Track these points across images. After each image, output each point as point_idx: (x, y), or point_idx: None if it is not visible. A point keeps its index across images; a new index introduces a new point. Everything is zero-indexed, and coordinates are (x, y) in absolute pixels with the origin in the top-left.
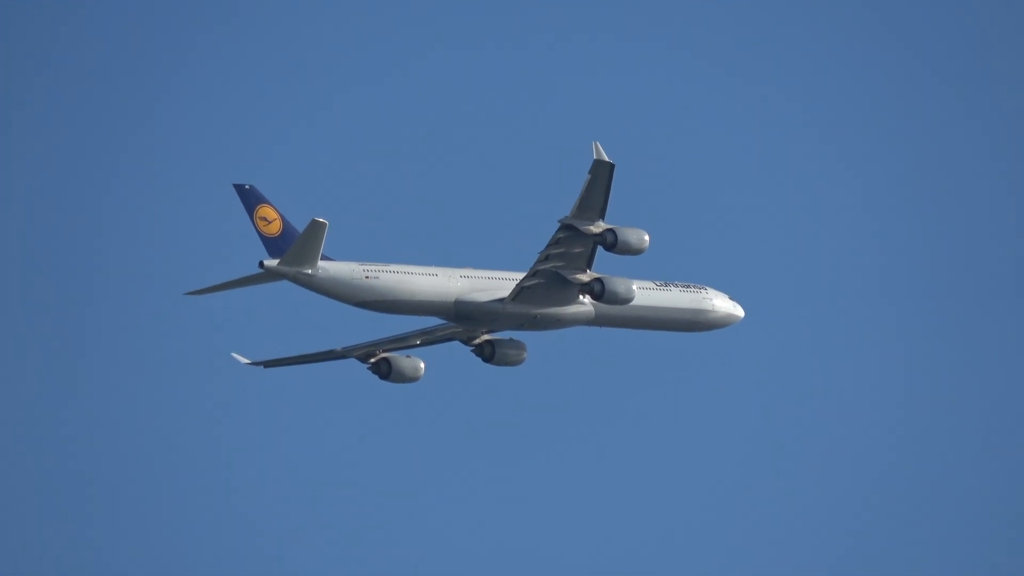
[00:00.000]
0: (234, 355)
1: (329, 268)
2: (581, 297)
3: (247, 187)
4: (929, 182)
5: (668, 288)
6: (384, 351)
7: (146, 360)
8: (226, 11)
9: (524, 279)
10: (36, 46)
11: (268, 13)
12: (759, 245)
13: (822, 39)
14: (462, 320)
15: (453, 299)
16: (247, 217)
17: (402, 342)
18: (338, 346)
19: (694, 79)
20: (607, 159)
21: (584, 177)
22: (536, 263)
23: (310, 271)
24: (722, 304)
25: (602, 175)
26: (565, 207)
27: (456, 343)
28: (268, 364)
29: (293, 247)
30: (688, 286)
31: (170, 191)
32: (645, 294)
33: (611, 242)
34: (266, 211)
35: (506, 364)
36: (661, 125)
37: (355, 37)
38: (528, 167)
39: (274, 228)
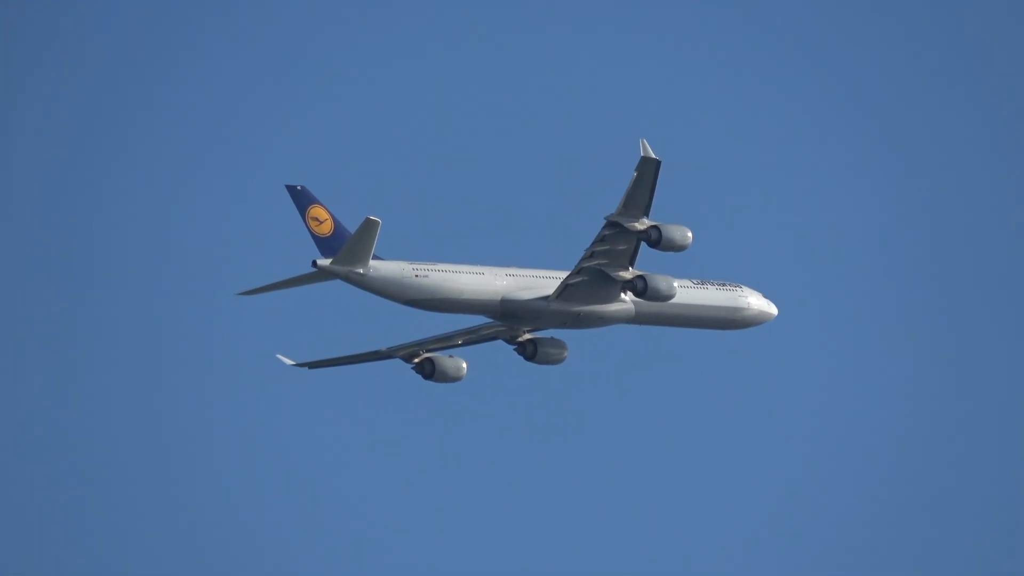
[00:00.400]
0: (279, 356)
1: (380, 267)
2: (622, 295)
3: (299, 188)
4: (943, 177)
5: (705, 286)
6: (428, 351)
7: (195, 361)
8: (242, 10)
9: (569, 276)
10: (68, 44)
11: (285, 9)
12: (766, 241)
13: (826, 34)
14: (507, 318)
15: (499, 297)
16: (298, 217)
17: (446, 341)
18: (383, 346)
19: (706, 74)
20: (654, 156)
21: (629, 173)
22: (581, 260)
23: (362, 270)
24: (757, 302)
25: (648, 172)
26: (598, 202)
27: (499, 343)
28: (312, 365)
29: (346, 246)
30: (724, 284)
31: (215, 191)
32: (683, 292)
33: (655, 239)
34: (317, 211)
35: (548, 363)
36: (671, 119)
37: (371, 30)
38: (557, 163)
39: (326, 228)
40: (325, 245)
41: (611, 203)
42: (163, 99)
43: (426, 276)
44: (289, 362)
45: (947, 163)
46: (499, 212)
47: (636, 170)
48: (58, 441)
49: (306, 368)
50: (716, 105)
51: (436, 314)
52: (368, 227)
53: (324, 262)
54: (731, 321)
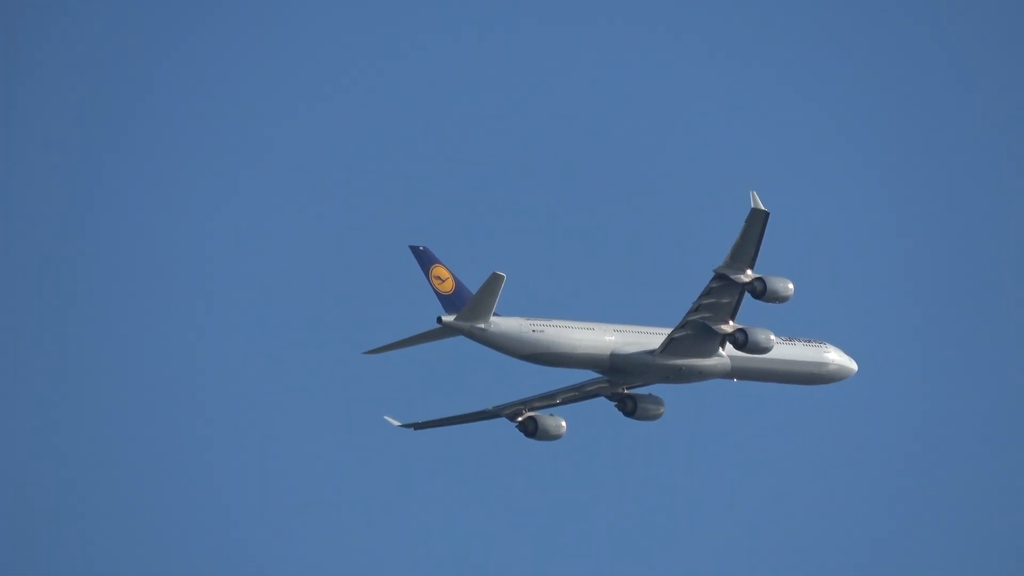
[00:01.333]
0: (386, 417)
1: (500, 323)
2: (720, 349)
3: (422, 248)
4: (953, 178)
5: (792, 342)
6: (531, 409)
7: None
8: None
9: (674, 330)
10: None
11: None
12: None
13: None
14: (615, 372)
15: (608, 352)
16: (423, 276)
17: (549, 400)
18: (490, 405)
19: (712, 71)
20: (763, 208)
21: (739, 225)
22: (687, 314)
23: (484, 325)
24: (838, 358)
25: (757, 224)
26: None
27: (600, 400)
28: (419, 426)
29: (472, 301)
30: (809, 340)
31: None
32: (774, 348)
33: (760, 291)
34: (439, 270)
35: (646, 418)
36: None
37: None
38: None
39: (448, 286)
40: (448, 302)
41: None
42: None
43: (542, 331)
44: (396, 423)
45: (962, 161)
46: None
47: (746, 222)
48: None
49: (411, 429)
50: (719, 100)
51: (544, 370)
52: (494, 282)
53: (449, 318)
54: (817, 376)
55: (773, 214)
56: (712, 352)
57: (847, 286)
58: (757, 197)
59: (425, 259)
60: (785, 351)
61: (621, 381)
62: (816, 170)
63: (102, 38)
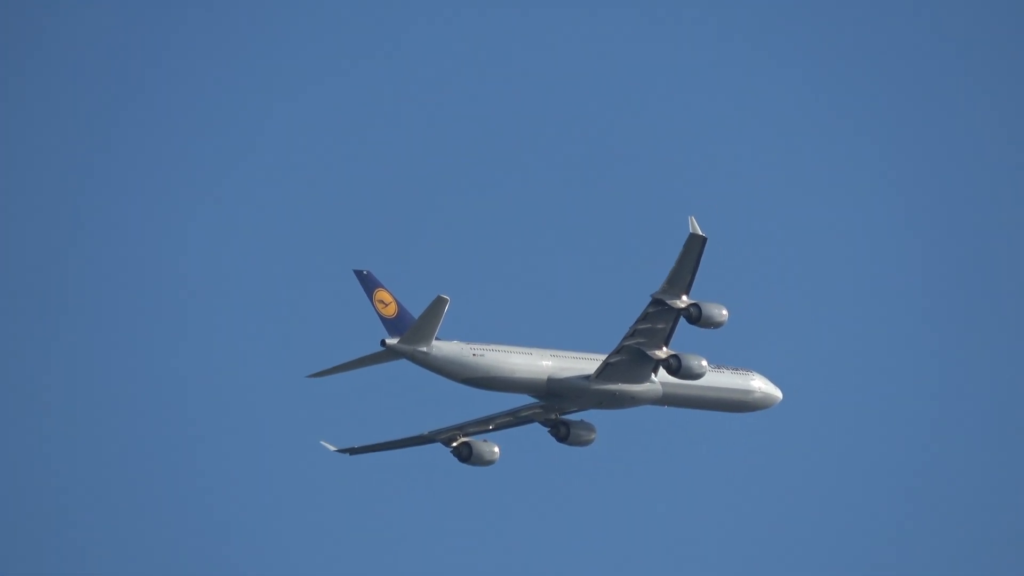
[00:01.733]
0: (322, 442)
1: (441, 347)
2: (652, 375)
3: (365, 272)
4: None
5: (721, 370)
6: (465, 435)
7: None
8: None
9: (610, 356)
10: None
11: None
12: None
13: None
14: (551, 397)
15: (546, 376)
16: (366, 300)
17: (483, 425)
18: (426, 430)
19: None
20: (701, 233)
21: (676, 250)
22: (623, 339)
23: (425, 349)
24: (764, 387)
25: (695, 250)
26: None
27: (534, 426)
28: (354, 451)
29: (415, 325)
30: (736, 369)
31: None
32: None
33: (695, 316)
34: (382, 294)
35: (578, 444)
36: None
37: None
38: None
39: (390, 310)
40: (391, 326)
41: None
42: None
43: (482, 356)
44: (332, 448)
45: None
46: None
47: (683, 247)
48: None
49: (347, 454)
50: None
51: (479, 395)
52: (437, 306)
53: (392, 341)
54: (743, 404)
55: (763, 219)
56: (645, 378)
57: (840, 290)
58: (695, 222)
59: (369, 283)
60: (714, 379)
61: (556, 406)
62: (822, 170)
63: (75, 38)
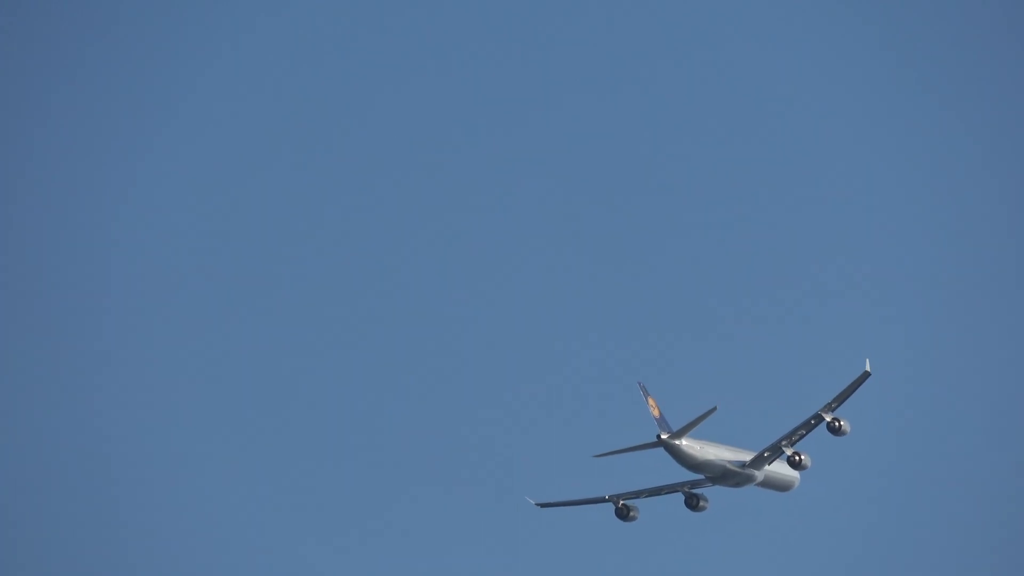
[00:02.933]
0: (527, 498)
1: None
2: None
3: (640, 383)
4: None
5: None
6: (624, 500)
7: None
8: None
9: (765, 450)
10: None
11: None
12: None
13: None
14: (720, 479)
15: (727, 463)
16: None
17: (644, 493)
18: (606, 494)
19: None
20: (869, 371)
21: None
22: (780, 440)
23: (678, 442)
24: (793, 473)
25: (861, 382)
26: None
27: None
28: (544, 505)
29: (685, 426)
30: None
31: None
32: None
33: (836, 428)
34: (652, 401)
35: (697, 511)
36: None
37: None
38: None
39: (656, 412)
40: (660, 425)
41: None
42: None
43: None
44: (533, 502)
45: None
46: None
47: (856, 381)
48: None
49: (539, 507)
50: None
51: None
52: (708, 413)
53: (665, 435)
54: (789, 486)
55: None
56: (761, 467)
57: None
58: (869, 363)
59: (645, 393)
60: (776, 467)
61: (716, 484)
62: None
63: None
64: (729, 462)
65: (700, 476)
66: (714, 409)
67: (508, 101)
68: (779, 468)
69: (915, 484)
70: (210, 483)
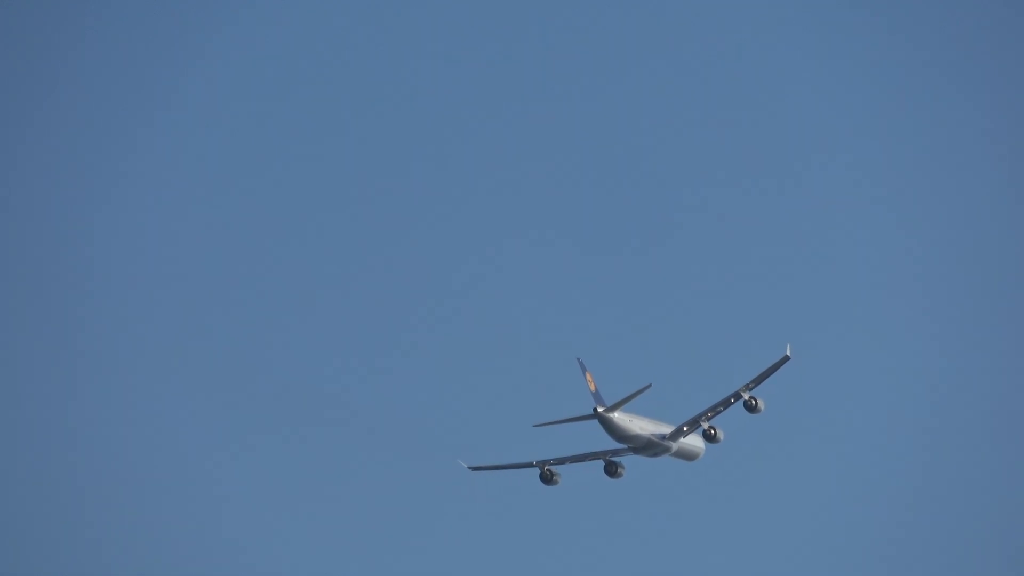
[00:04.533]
0: (459, 461)
1: (623, 416)
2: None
3: (579, 360)
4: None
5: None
6: (550, 465)
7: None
8: None
9: (684, 424)
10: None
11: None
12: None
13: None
14: (644, 449)
15: (648, 434)
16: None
17: (568, 460)
18: (534, 459)
19: None
20: (789, 355)
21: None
22: (700, 415)
23: (611, 416)
24: (701, 444)
25: (779, 366)
26: None
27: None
28: (476, 468)
29: (621, 401)
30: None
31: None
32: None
33: (753, 406)
34: (589, 376)
35: (615, 477)
36: None
37: None
38: None
39: (593, 387)
40: (596, 399)
41: None
42: None
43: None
44: (465, 465)
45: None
46: None
47: (776, 364)
48: None
49: (470, 470)
50: None
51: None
52: (642, 390)
53: (601, 409)
54: (696, 455)
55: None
56: (679, 439)
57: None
58: (790, 348)
59: (583, 367)
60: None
61: (639, 454)
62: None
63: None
64: (653, 434)
65: (624, 446)
66: (648, 386)
67: (508, 101)
68: (689, 440)
69: (915, 483)
70: (209, 482)
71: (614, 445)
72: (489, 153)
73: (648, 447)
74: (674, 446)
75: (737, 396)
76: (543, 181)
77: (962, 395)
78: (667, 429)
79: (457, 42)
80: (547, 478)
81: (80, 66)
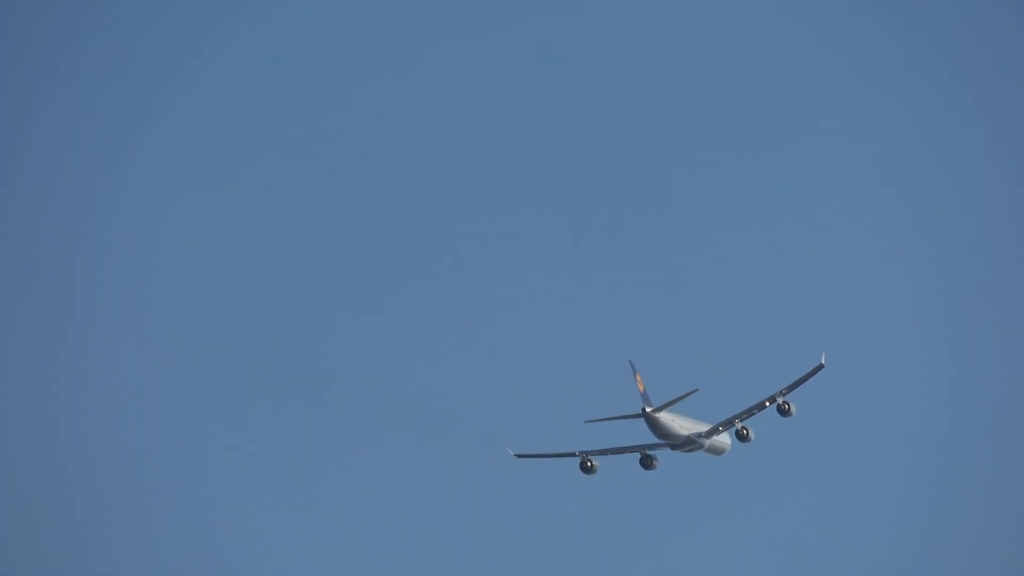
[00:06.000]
0: (507, 448)
1: (665, 416)
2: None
3: (631, 362)
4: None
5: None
6: (592, 456)
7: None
8: None
9: (720, 424)
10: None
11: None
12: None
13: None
14: (682, 445)
15: (686, 433)
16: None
17: (608, 452)
18: (577, 450)
19: None
20: (824, 364)
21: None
22: (734, 416)
23: (658, 415)
24: (728, 441)
25: (814, 373)
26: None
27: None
28: (521, 456)
29: (668, 403)
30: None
31: None
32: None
33: (786, 410)
34: (639, 378)
35: (650, 469)
36: None
37: None
38: None
39: (642, 388)
40: (645, 399)
41: None
42: None
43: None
44: (512, 453)
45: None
46: None
47: (811, 371)
48: None
49: (516, 457)
50: None
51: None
52: (688, 393)
53: (650, 409)
54: (724, 451)
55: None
56: (712, 437)
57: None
58: (824, 357)
59: (633, 369)
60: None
61: (669, 447)
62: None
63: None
64: (691, 433)
65: (662, 442)
66: (695, 391)
67: (509, 101)
68: (719, 438)
69: (914, 483)
70: (208, 480)
71: (652, 440)
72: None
73: (685, 444)
74: (707, 443)
75: (772, 400)
76: (579, 180)
77: (969, 394)
78: (703, 428)
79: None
80: (586, 467)
81: (80, 66)
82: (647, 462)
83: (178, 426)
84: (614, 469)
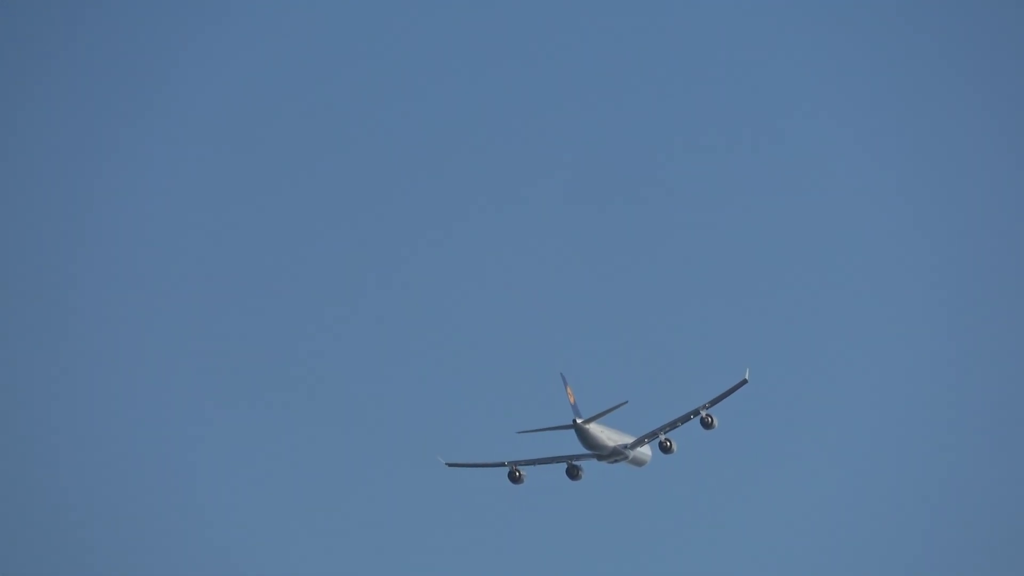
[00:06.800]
0: (437, 457)
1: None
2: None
3: (561, 374)
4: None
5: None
6: (519, 467)
7: None
8: None
9: (644, 436)
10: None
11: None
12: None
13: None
14: (608, 456)
15: (612, 444)
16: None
17: (536, 462)
18: (506, 460)
19: None
20: (747, 379)
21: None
22: (659, 428)
23: (589, 427)
24: (649, 452)
25: (737, 388)
26: None
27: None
28: (452, 464)
29: (598, 414)
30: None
31: None
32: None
33: (709, 423)
34: (570, 390)
35: (576, 479)
36: None
37: None
38: None
39: (572, 399)
40: (575, 411)
41: None
42: None
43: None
44: (443, 461)
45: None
46: None
47: (734, 387)
48: None
49: (446, 466)
50: None
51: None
52: (618, 406)
53: (580, 420)
54: (645, 462)
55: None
56: (636, 448)
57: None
58: (748, 372)
59: (565, 382)
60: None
61: (596, 458)
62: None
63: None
64: (618, 444)
65: (589, 452)
66: (624, 403)
67: (509, 101)
68: (641, 450)
69: (914, 483)
70: (208, 480)
71: (580, 451)
72: (484, 159)
73: (611, 455)
74: (631, 455)
75: (696, 413)
76: (533, 187)
77: (965, 392)
78: (629, 439)
79: (449, 45)
80: (514, 476)
81: (80, 66)
82: (573, 472)
83: (178, 426)
84: (542, 479)
